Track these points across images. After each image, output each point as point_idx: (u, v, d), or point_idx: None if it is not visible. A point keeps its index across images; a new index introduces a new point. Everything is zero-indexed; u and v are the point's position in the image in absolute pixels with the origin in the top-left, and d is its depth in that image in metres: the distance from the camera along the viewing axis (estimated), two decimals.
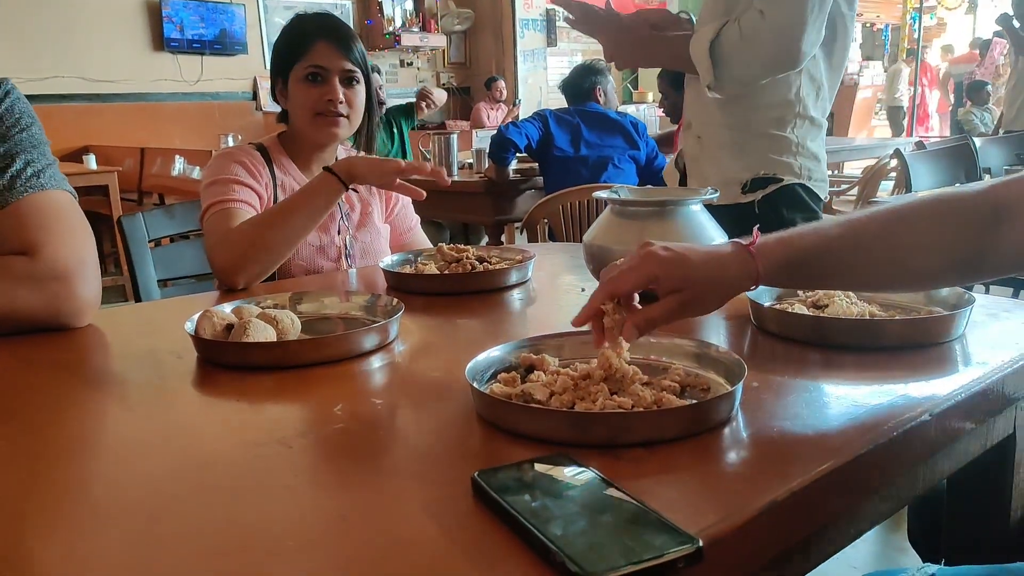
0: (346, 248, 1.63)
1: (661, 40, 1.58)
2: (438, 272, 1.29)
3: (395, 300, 1.05)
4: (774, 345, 0.92)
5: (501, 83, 7.37)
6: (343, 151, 1.72)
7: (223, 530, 0.56)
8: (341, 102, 1.55)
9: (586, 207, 2.75)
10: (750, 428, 0.69)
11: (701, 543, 0.48)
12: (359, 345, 0.93)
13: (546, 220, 2.76)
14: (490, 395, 0.71)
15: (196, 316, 0.96)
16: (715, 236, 1.07)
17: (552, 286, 1.35)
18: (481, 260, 1.34)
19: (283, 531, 0.55)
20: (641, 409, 0.69)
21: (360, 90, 1.60)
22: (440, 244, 1.39)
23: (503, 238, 3.59)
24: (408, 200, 1.79)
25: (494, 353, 0.81)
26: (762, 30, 1.37)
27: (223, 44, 6.50)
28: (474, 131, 5.34)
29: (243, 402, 0.84)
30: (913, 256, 0.78)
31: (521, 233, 3.40)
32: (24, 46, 5.55)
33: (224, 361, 0.92)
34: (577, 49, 8.61)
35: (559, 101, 3.43)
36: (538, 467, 0.59)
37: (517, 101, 7.58)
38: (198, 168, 5.09)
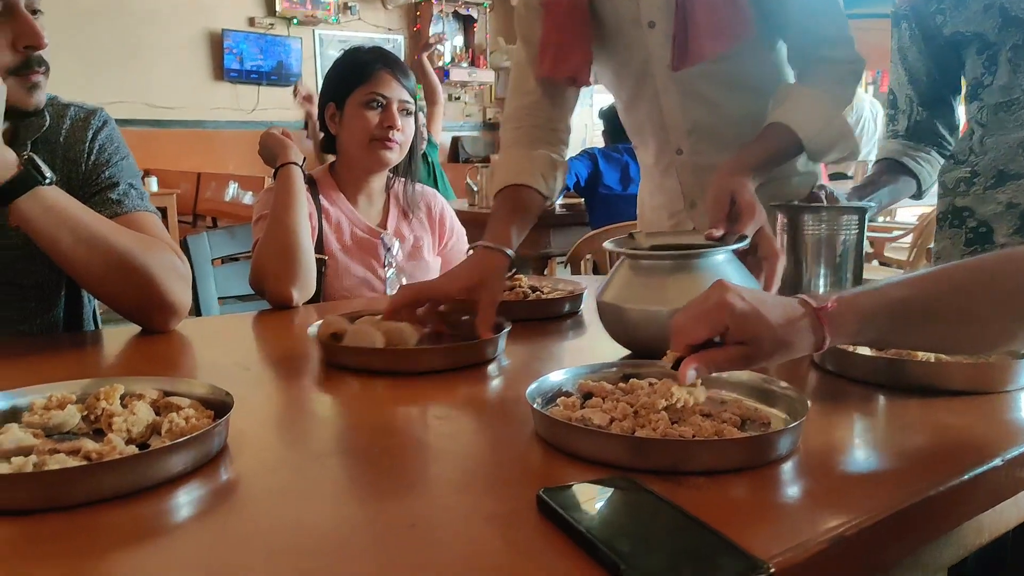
0: (392, 280, 1.66)
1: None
2: None
3: (501, 319, 1.08)
4: (837, 384, 0.91)
5: None
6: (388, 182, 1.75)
7: (297, 531, 0.57)
8: (399, 129, 1.60)
9: None
10: (811, 464, 0.69)
11: (773, 569, 0.48)
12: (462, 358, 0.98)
13: (590, 256, 2.77)
14: (553, 417, 0.72)
15: (318, 323, 1.05)
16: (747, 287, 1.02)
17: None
18: (534, 289, 1.36)
19: (354, 536, 0.57)
20: (703, 439, 0.70)
21: (411, 122, 1.65)
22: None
23: (546, 272, 3.60)
24: (462, 233, 1.82)
25: (553, 378, 0.83)
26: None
27: (279, 75, 6.69)
28: None
29: (324, 408, 0.86)
30: (988, 316, 0.75)
31: (565, 267, 3.42)
32: (93, 72, 5.78)
33: (340, 362, 0.98)
34: None
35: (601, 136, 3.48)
36: (603, 488, 0.60)
37: None
38: (250, 193, 5.22)
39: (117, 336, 1.18)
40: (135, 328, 1.17)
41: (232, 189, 5.51)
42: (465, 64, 7.72)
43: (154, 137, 6.11)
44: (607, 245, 1.07)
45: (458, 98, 7.90)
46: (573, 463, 0.68)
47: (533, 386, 0.78)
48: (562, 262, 3.58)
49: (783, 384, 0.79)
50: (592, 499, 0.58)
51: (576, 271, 2.80)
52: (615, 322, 1.03)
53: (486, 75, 7.90)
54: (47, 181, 1.00)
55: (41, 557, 0.53)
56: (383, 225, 1.71)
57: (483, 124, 8.04)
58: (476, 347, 1.01)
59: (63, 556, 0.53)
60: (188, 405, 0.73)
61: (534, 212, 1.31)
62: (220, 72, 6.45)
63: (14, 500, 0.57)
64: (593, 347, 1.18)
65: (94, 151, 1.20)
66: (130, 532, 0.57)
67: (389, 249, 1.67)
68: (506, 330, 1.05)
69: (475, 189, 3.57)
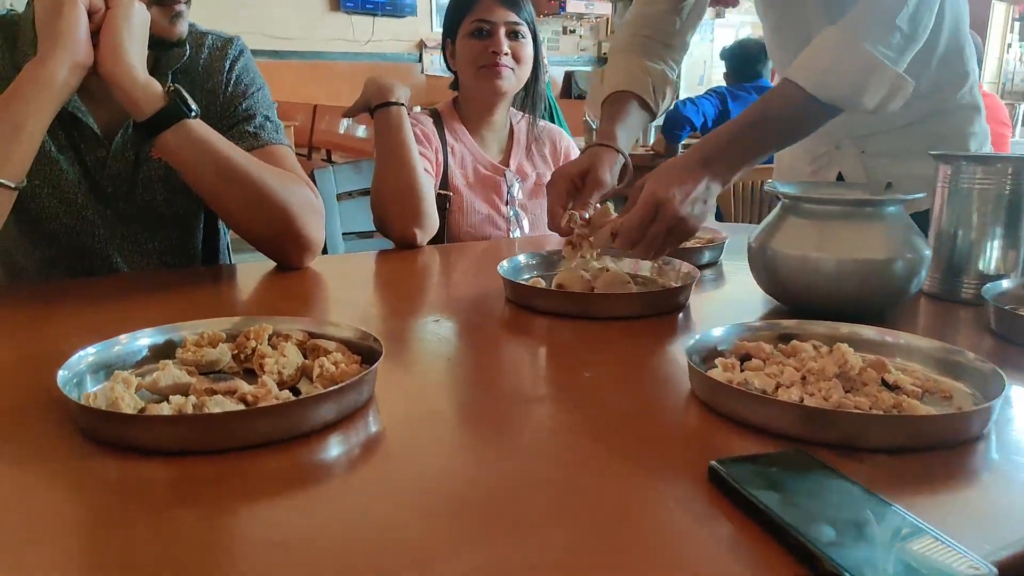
0: (514, 218, 1.63)
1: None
2: None
3: (689, 267, 1.06)
4: None
5: None
6: (513, 118, 1.70)
7: (448, 487, 0.55)
8: (506, 54, 1.54)
9: (759, 188, 2.62)
10: (1011, 446, 0.62)
11: (996, 571, 0.42)
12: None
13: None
14: (718, 381, 0.67)
15: (504, 262, 1.07)
16: (921, 247, 0.91)
17: (745, 271, 1.27)
18: None
19: (509, 493, 0.54)
20: (881, 412, 0.63)
21: (527, 44, 1.58)
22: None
23: None
24: None
25: (710, 336, 0.77)
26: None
27: (394, 5, 6.68)
28: None
29: (468, 355, 0.85)
30: None
31: None
32: (214, 3, 5.91)
33: (532, 305, 0.98)
34: (746, 22, 8.24)
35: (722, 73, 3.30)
36: (781, 462, 0.55)
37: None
38: (363, 128, 5.27)
39: (252, 271, 1.20)
40: (268, 263, 1.18)
41: (346, 122, 5.58)
42: None
43: (271, 69, 6.21)
44: (769, 187, 1.00)
45: (573, 31, 7.69)
46: (734, 428, 0.64)
47: (691, 343, 0.74)
48: None
49: (971, 354, 0.71)
50: (771, 474, 0.53)
51: None
52: (766, 269, 0.96)
53: (603, 7, 7.64)
54: (193, 114, 1.00)
55: (192, 500, 0.53)
56: (506, 162, 1.67)
57: (598, 59, 7.81)
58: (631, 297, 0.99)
59: (214, 499, 0.53)
60: (335, 348, 0.72)
61: (641, 124, 1.28)
62: (336, 3, 6.48)
63: (174, 441, 0.57)
64: (736, 300, 1.11)
65: (231, 82, 1.20)
66: (281, 479, 0.56)
67: (510, 188, 1.64)
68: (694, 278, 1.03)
69: (594, 127, 3.47)
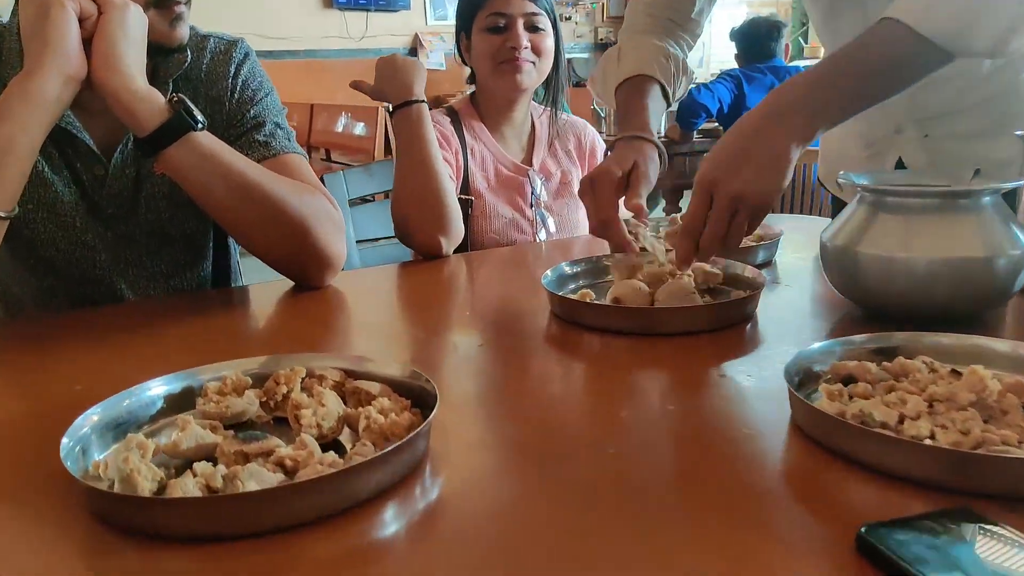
0: (539, 220, 1.53)
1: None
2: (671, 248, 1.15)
3: (754, 271, 0.96)
4: None
5: None
6: (534, 112, 1.61)
7: (528, 558, 0.45)
8: (526, 47, 1.44)
9: (802, 172, 2.51)
10: None
11: None
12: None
13: None
14: (832, 416, 0.57)
15: (548, 272, 0.97)
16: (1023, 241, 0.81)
17: (804, 269, 1.16)
18: None
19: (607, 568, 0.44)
20: None
21: (547, 35, 1.48)
22: (674, 215, 1.26)
23: (680, 203, 3.39)
24: None
25: (806, 355, 0.67)
26: None
27: (387, 0, 6.55)
28: None
29: (529, 388, 0.75)
30: None
31: None
32: (210, 4, 5.78)
33: (583, 321, 0.88)
34: (743, 0, 8.11)
35: (722, 54, 3.20)
36: (947, 527, 0.45)
37: None
38: (362, 124, 5.17)
39: (268, 293, 1.10)
40: (283, 282, 1.08)
41: (343, 120, 5.46)
42: None
43: (270, 69, 6.11)
44: (844, 179, 0.89)
45: (568, 18, 7.55)
46: (853, 470, 0.55)
47: (789, 365, 0.64)
48: None
49: None
50: (942, 547, 0.43)
51: None
52: (844, 272, 0.87)
53: None
54: (199, 126, 0.90)
55: None
56: (528, 161, 1.57)
57: (594, 45, 7.69)
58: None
59: None
60: (379, 391, 0.62)
61: (661, 112, 1.20)
62: None
63: (204, 526, 0.48)
64: (804, 307, 1.01)
65: (237, 88, 1.10)
66: (332, 564, 0.47)
67: (534, 188, 1.54)
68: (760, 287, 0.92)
69: (602, 114, 3.36)
